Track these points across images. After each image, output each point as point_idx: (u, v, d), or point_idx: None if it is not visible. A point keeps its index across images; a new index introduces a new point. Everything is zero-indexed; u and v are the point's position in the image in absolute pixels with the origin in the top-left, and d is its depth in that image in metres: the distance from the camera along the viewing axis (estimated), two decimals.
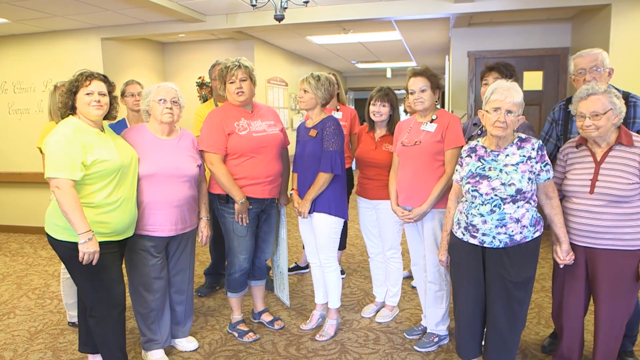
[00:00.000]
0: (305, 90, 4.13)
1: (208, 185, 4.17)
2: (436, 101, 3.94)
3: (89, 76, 3.38)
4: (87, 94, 3.34)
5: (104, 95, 3.40)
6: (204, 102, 8.16)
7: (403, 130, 4.08)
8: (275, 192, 4.22)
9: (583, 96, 3.18)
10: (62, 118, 3.41)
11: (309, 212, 4.14)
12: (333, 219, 4.15)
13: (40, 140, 4.19)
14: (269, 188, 4.13)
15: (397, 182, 4.07)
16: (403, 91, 4.13)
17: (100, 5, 6.38)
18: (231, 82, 4.01)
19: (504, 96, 3.08)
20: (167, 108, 3.72)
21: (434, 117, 3.92)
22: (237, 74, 3.99)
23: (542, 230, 3.20)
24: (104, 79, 3.46)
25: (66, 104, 3.37)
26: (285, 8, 5.55)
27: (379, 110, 4.34)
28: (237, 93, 4.01)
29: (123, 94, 4.82)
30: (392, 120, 4.38)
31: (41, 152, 4.08)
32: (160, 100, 3.71)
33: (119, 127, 4.31)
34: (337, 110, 5.44)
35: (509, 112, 3.06)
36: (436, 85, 3.89)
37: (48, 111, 4.40)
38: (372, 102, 4.38)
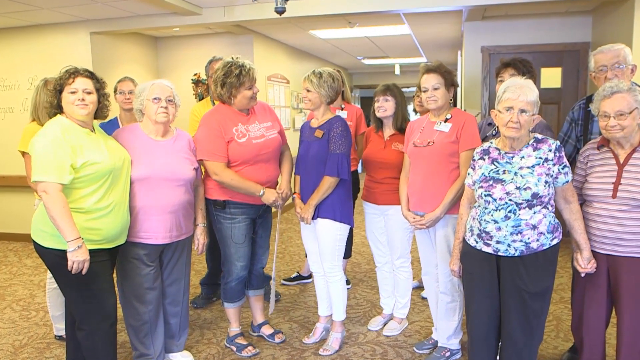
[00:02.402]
0: (307, 90, 4.14)
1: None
2: (450, 100, 3.96)
3: (73, 73, 3.38)
4: (72, 92, 3.35)
5: (90, 93, 3.40)
6: (200, 100, 8.19)
7: (415, 130, 4.09)
8: None
9: (607, 94, 3.18)
10: (50, 117, 3.42)
11: (313, 218, 4.16)
12: (338, 225, 4.17)
13: (21, 143, 4.17)
14: None
15: (408, 185, 4.07)
16: (412, 89, 4.13)
17: None
18: (249, 88, 4.01)
19: (517, 94, 3.08)
20: (162, 107, 3.72)
21: (448, 116, 3.92)
22: (254, 78, 4.02)
23: (561, 237, 3.20)
24: (91, 75, 3.45)
25: (52, 103, 3.39)
26: (287, 0, 5.57)
27: (382, 105, 4.34)
28: (253, 98, 4.06)
29: (115, 91, 4.83)
30: (398, 117, 4.39)
31: (22, 155, 4.10)
32: (155, 98, 3.72)
33: (111, 127, 4.32)
34: (342, 109, 5.45)
35: (523, 111, 3.07)
36: (450, 82, 3.90)
37: (30, 110, 4.34)
38: (375, 99, 4.40)
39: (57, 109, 3.40)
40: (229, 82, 3.97)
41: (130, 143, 3.70)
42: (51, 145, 3.19)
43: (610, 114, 3.15)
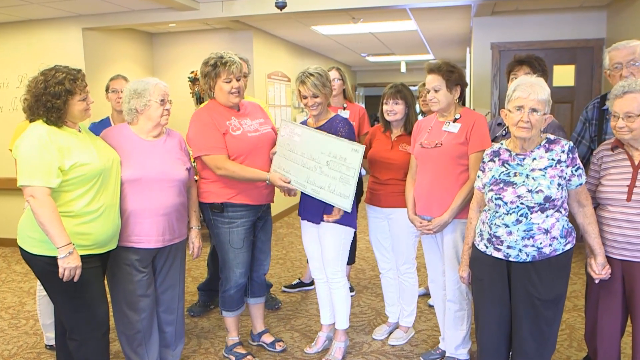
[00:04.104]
0: (315, 95, 4.08)
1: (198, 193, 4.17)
2: (457, 99, 3.93)
3: (83, 78, 3.40)
4: (84, 99, 3.37)
5: None
6: (197, 99, 8.18)
7: (422, 130, 4.08)
8: (271, 197, 4.25)
9: (618, 94, 3.17)
10: (31, 121, 3.35)
11: (316, 222, 4.16)
12: (343, 229, 4.16)
13: (12, 142, 4.17)
14: (266, 192, 4.15)
15: (415, 188, 4.06)
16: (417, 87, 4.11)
17: None
18: (227, 81, 4.00)
19: (527, 93, 3.07)
20: (166, 110, 3.75)
21: (457, 116, 3.91)
22: (235, 71, 3.99)
23: (574, 242, 3.20)
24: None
25: (58, 107, 3.27)
26: None
27: (392, 109, 4.33)
28: (233, 93, 4.03)
29: (107, 90, 4.82)
30: (408, 119, 4.38)
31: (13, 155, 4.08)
32: (162, 100, 3.73)
33: (102, 127, 4.29)
34: (344, 108, 5.42)
35: (534, 110, 3.06)
36: (454, 82, 3.86)
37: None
38: (384, 101, 4.39)
39: (60, 114, 3.31)
40: (205, 71, 4.04)
41: (119, 143, 3.69)
42: (37, 148, 3.17)
43: (620, 115, 3.15)
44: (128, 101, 3.75)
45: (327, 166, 3.90)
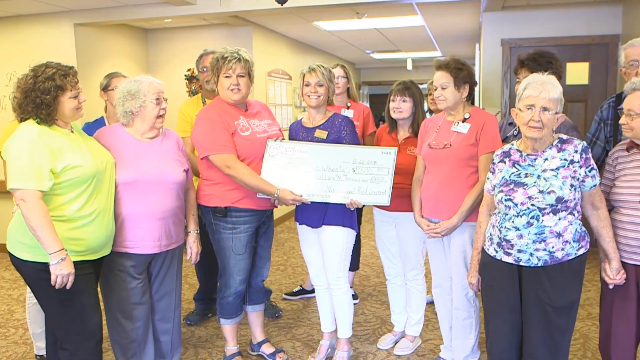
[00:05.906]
0: (320, 84, 4.12)
1: (197, 196, 4.17)
2: (464, 98, 3.93)
3: (75, 75, 3.39)
4: (74, 96, 3.36)
5: None
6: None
7: (430, 130, 4.08)
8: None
9: (628, 90, 3.20)
10: (21, 121, 3.34)
11: (317, 226, 4.17)
12: (346, 232, 4.17)
13: (0, 143, 4.17)
14: None
15: (422, 190, 4.07)
16: (424, 85, 4.12)
17: None
18: (227, 76, 4.02)
19: (538, 91, 3.08)
20: (163, 109, 3.74)
21: (466, 115, 3.92)
22: (235, 67, 4.00)
23: (588, 246, 3.20)
24: None
25: (48, 104, 3.26)
26: None
27: (398, 107, 4.33)
28: (232, 90, 4.04)
29: (106, 88, 4.81)
30: (415, 119, 4.38)
31: (1, 157, 4.08)
32: (158, 99, 3.72)
33: (97, 128, 4.30)
34: (348, 107, 5.42)
35: (545, 109, 3.06)
36: (463, 80, 3.87)
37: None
38: (391, 98, 4.39)
39: (50, 111, 3.30)
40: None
41: (113, 144, 3.68)
42: (28, 149, 3.16)
43: (624, 111, 3.17)
44: (122, 103, 3.71)
45: (354, 172, 3.99)
